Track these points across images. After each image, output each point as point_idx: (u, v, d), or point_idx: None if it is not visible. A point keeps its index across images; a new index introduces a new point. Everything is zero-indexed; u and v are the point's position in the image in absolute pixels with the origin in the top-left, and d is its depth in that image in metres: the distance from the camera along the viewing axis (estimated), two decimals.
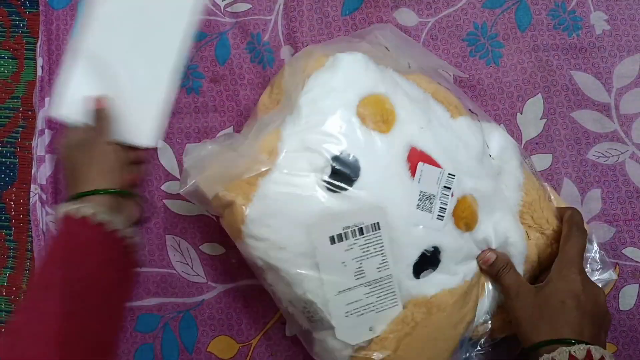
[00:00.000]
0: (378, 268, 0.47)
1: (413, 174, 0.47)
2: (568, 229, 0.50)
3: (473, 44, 0.62)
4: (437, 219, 0.48)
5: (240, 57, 0.62)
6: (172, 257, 0.60)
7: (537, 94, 0.60)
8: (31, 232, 0.63)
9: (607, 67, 0.60)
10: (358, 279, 0.47)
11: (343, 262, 0.46)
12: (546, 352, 0.44)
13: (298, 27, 0.62)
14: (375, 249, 0.47)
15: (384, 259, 0.47)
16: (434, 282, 0.48)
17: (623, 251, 0.58)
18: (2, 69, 0.68)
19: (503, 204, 0.52)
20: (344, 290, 0.46)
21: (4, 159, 0.67)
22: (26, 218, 0.65)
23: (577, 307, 0.45)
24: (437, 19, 0.62)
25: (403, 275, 0.47)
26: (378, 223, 0.47)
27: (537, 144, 0.60)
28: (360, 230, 0.46)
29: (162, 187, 0.61)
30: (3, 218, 0.66)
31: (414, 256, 0.48)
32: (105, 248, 0.48)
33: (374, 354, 0.47)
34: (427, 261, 0.48)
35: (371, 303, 0.47)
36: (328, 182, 0.46)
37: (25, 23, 0.68)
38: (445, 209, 0.48)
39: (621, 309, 0.57)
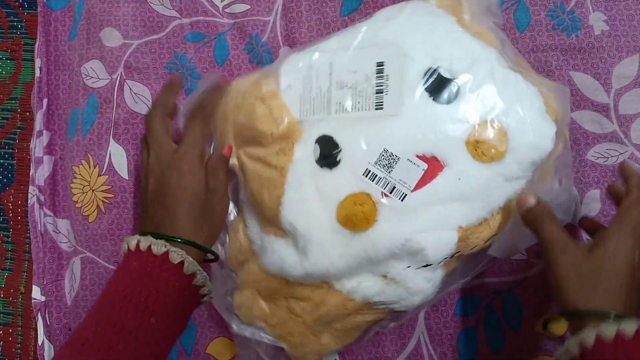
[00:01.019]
0: None
1: None
2: (638, 193, 0.46)
3: None
4: None
5: (238, 58, 0.62)
6: None
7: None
8: (29, 233, 0.63)
9: (606, 67, 0.60)
10: None
11: None
12: (593, 322, 0.41)
13: (297, 27, 0.62)
14: None
15: None
16: None
17: None
18: (0, 70, 0.68)
19: None
20: None
21: (1, 160, 0.67)
22: (24, 219, 0.65)
23: (633, 277, 0.43)
24: None
25: None
26: None
27: None
28: None
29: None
30: (1, 220, 0.66)
31: None
32: (186, 299, 0.46)
33: None
34: None
35: None
36: None
37: (23, 24, 0.68)
38: None
39: None
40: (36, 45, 0.65)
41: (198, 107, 0.52)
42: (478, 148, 0.48)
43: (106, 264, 0.59)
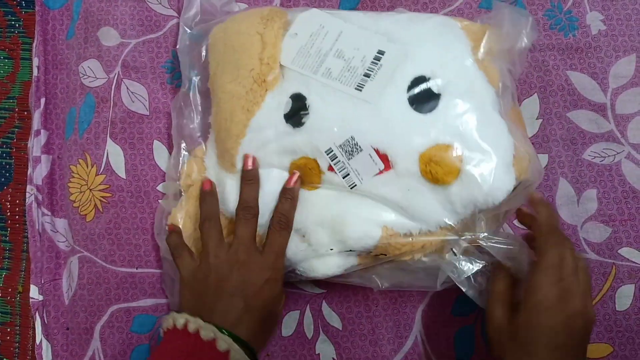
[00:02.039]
0: None
1: None
2: (544, 240, 0.48)
3: None
4: None
5: None
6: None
7: (533, 94, 0.60)
8: (27, 232, 0.63)
9: (603, 67, 0.60)
10: None
11: None
12: None
13: None
14: None
15: None
16: None
17: (619, 251, 0.57)
18: None
19: None
20: None
21: None
22: (22, 219, 0.65)
23: (549, 346, 0.44)
24: None
25: None
26: None
27: (533, 143, 0.59)
28: None
29: (158, 188, 0.61)
30: None
31: None
32: None
33: None
34: None
35: None
36: None
37: (21, 23, 0.68)
38: None
39: (617, 309, 0.57)
40: (34, 45, 0.65)
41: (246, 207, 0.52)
42: (428, 165, 0.48)
43: (104, 263, 0.59)
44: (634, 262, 0.57)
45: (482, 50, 0.52)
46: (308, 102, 0.51)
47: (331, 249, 0.51)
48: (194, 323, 0.46)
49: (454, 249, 0.51)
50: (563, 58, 0.61)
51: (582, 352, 0.46)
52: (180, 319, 0.46)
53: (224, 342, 0.45)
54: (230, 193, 0.53)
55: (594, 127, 0.60)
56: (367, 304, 0.59)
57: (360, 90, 0.51)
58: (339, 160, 0.50)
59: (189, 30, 0.60)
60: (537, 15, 0.61)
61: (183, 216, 0.56)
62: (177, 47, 0.60)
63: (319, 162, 0.51)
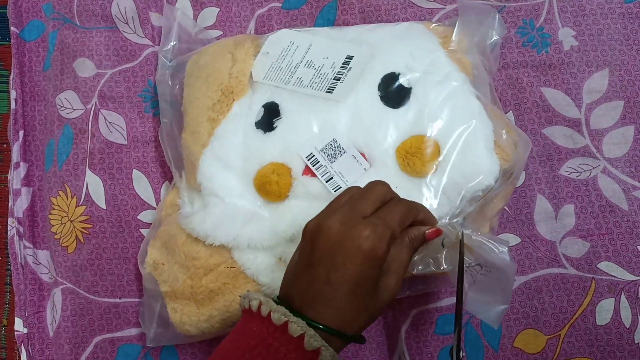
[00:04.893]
0: None
1: None
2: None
3: None
4: None
5: None
6: None
7: (509, 111, 0.61)
8: (9, 265, 0.63)
9: (576, 82, 0.61)
10: None
11: None
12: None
13: None
14: None
15: None
16: None
17: (598, 266, 0.58)
18: None
19: None
20: None
21: None
22: (4, 252, 0.65)
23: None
24: None
25: None
26: None
27: None
28: None
29: (139, 217, 0.61)
30: None
31: None
32: None
33: None
34: None
35: None
36: None
37: None
38: None
39: (598, 323, 0.57)
40: (11, 77, 0.65)
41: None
42: (406, 158, 0.49)
43: (87, 294, 0.60)
44: (613, 276, 0.58)
45: (452, 43, 0.54)
46: (281, 108, 0.52)
47: None
48: (266, 305, 0.40)
49: (443, 242, 0.47)
50: (537, 75, 0.61)
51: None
52: (254, 301, 0.41)
53: (296, 326, 0.39)
54: (197, 210, 0.53)
55: (570, 143, 0.60)
56: None
57: (331, 92, 0.52)
58: (321, 165, 0.50)
59: (168, 63, 0.60)
60: (509, 32, 0.62)
61: (158, 245, 0.56)
62: (156, 78, 0.61)
63: (290, 166, 0.51)
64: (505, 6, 0.62)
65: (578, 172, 0.60)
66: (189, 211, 0.54)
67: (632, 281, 0.57)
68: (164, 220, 0.56)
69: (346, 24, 0.62)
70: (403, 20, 0.62)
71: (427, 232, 0.45)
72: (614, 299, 0.57)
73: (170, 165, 0.58)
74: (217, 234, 0.51)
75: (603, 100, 0.60)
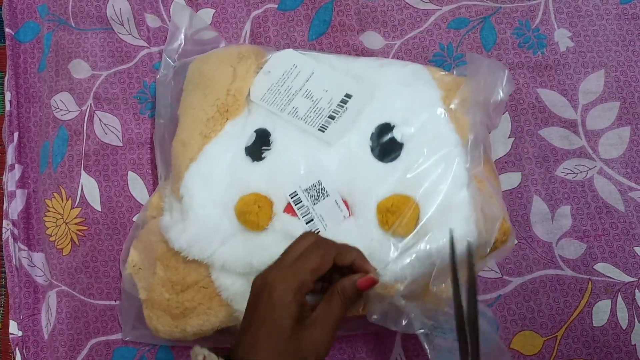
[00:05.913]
0: None
1: None
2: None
3: (440, 64, 0.62)
4: None
5: None
6: None
7: (505, 112, 0.61)
8: (4, 268, 0.63)
9: (572, 83, 0.61)
10: None
11: None
12: None
13: None
14: None
15: None
16: None
17: (595, 267, 0.58)
18: None
19: None
20: None
21: None
22: None
23: None
24: (403, 41, 0.63)
25: None
26: None
27: (505, 162, 0.60)
28: None
29: (134, 219, 0.60)
30: None
31: None
32: None
33: None
34: None
35: None
36: None
37: None
38: None
39: (594, 325, 0.57)
40: (6, 79, 0.65)
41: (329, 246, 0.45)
42: (385, 215, 0.48)
43: (82, 297, 0.59)
44: (609, 277, 0.58)
45: (455, 100, 0.52)
46: (272, 138, 0.52)
47: None
48: (201, 354, 0.41)
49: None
50: (533, 76, 0.61)
51: None
52: (199, 355, 0.42)
53: None
54: (177, 221, 0.52)
55: (566, 144, 0.60)
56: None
57: (323, 132, 0.51)
58: (303, 205, 0.49)
59: (172, 63, 0.60)
60: (505, 34, 0.62)
61: (141, 248, 0.55)
62: (157, 78, 0.60)
63: (273, 201, 0.50)
64: (501, 7, 0.62)
65: (574, 173, 0.60)
66: (169, 220, 0.53)
67: (629, 282, 0.57)
68: (148, 222, 0.56)
69: (342, 25, 0.62)
70: (399, 21, 0.62)
71: (357, 281, 0.43)
72: (610, 300, 0.57)
73: (157, 166, 0.58)
74: (192, 250, 0.51)
75: (599, 101, 0.60)
